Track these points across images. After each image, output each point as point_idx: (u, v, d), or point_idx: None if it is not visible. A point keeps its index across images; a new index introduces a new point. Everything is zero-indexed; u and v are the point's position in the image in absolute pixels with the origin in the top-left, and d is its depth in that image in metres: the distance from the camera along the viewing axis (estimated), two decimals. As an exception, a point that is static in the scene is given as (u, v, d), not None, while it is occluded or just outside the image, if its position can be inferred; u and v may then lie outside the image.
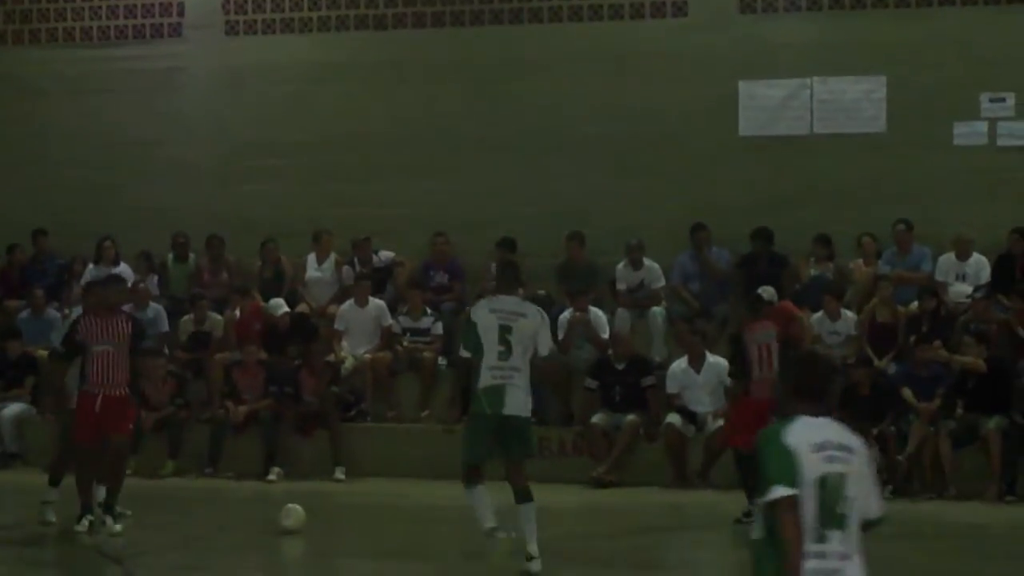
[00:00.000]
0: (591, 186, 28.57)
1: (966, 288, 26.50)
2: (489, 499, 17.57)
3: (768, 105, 28.55)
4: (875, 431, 23.86)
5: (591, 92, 28.99)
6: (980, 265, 26.87)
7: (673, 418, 24.27)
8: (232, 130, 30.43)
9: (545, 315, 18.49)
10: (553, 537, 19.18)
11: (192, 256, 29.60)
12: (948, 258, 27.11)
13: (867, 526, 9.73)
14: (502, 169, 28.90)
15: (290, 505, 20.52)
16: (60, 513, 20.64)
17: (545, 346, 17.75)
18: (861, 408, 23.91)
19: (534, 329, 17.37)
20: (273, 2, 30.70)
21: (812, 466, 9.61)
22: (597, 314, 26.99)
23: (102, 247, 29.39)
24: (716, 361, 24.62)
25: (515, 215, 28.48)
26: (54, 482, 20.48)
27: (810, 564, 9.57)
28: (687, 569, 20.30)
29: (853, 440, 9.71)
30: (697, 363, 23.80)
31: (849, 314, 26.20)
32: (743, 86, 28.50)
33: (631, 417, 25.16)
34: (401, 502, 21.16)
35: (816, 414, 9.80)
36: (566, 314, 26.77)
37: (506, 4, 29.86)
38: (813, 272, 27.03)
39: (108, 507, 19.50)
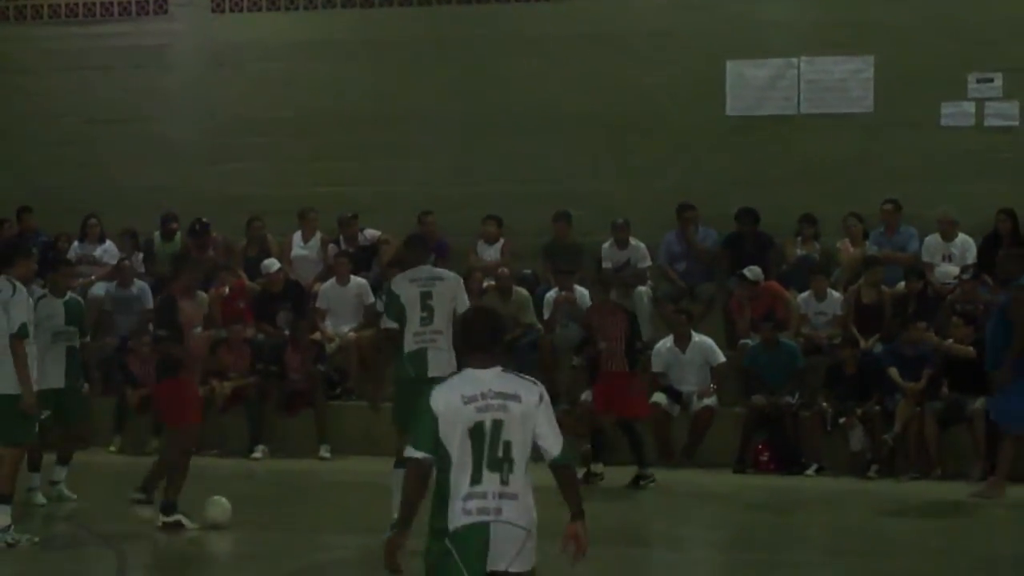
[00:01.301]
0: (577, 165, 28.69)
1: (953, 269, 26.42)
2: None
3: (755, 85, 28.59)
4: (860, 411, 24.12)
5: (577, 71, 29.11)
6: (966, 246, 26.87)
7: (659, 397, 24.32)
8: (218, 108, 30.58)
9: (460, 279, 19.16)
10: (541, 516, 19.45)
11: (178, 235, 29.42)
12: (934, 239, 27.09)
13: (556, 467, 10.34)
14: (488, 148, 29.01)
15: (215, 497, 20.32)
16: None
17: (463, 305, 17.99)
18: (847, 388, 24.39)
19: (452, 292, 17.99)
20: None
21: (463, 417, 10.16)
22: (582, 293, 26.68)
23: (87, 224, 29.73)
24: (701, 340, 24.82)
25: (501, 194, 28.59)
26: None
27: (470, 504, 10.16)
28: (673, 543, 20.09)
29: (521, 387, 10.12)
30: (683, 343, 23.90)
31: (835, 294, 26.25)
32: (730, 65, 28.55)
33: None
34: (386, 480, 21.17)
35: (484, 366, 10.26)
36: (551, 293, 26.90)
37: None
38: (799, 252, 27.10)
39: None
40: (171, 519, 19.52)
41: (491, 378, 10.22)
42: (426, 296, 17.82)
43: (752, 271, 26.03)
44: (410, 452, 10.29)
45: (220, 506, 20.76)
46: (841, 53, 28.21)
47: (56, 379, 20.78)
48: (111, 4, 31.25)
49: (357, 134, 29.67)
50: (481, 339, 10.46)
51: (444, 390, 10.32)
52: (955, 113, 27.79)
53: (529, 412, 10.12)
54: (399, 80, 29.72)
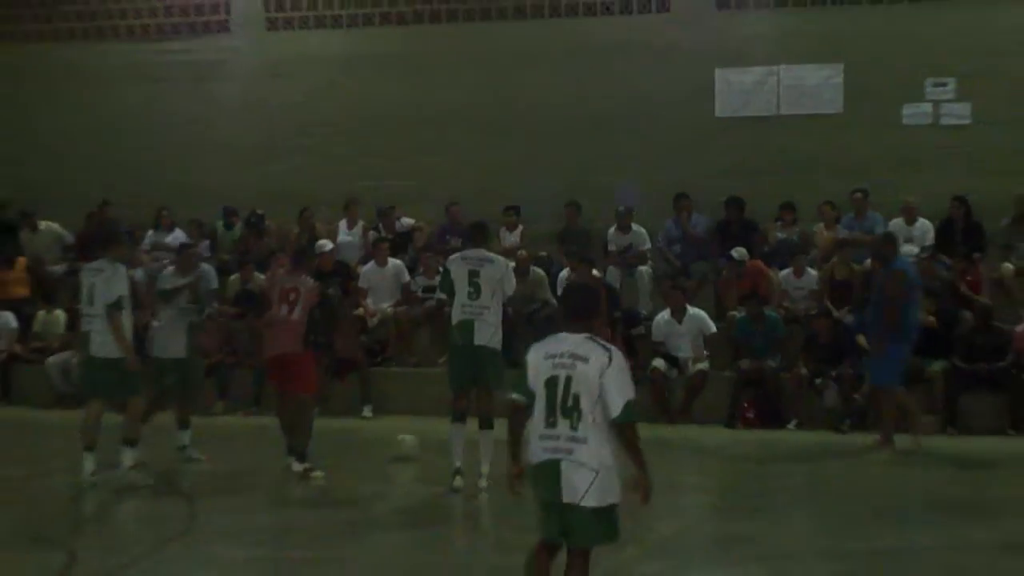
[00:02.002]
0: (585, 161, 28.69)
1: (913, 249, 26.40)
2: (463, 441, 18.27)
3: (740, 90, 28.76)
4: (834, 373, 24.25)
5: (585, 79, 29.19)
6: (925, 229, 27.01)
7: (658, 362, 24.53)
8: (272, 113, 30.64)
9: (510, 264, 19.47)
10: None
11: (238, 224, 29.63)
12: (898, 223, 27.11)
13: (615, 426, 10.69)
14: (508, 147, 29.12)
15: (405, 436, 21.34)
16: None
17: (511, 287, 18.63)
18: (822, 353, 24.57)
19: (500, 274, 18.06)
20: (308, 1, 30.91)
21: (543, 370, 10.98)
22: (593, 274, 26.45)
23: (159, 216, 29.81)
24: (695, 313, 25.04)
25: (520, 186, 28.72)
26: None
27: (546, 443, 10.78)
28: (671, 490, 19.57)
29: (593, 352, 10.82)
30: (679, 315, 24.00)
31: (812, 272, 26.40)
32: (719, 73, 28.71)
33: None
34: (418, 436, 21.33)
35: (574, 331, 11.09)
36: (564, 273, 26.70)
37: (510, 1, 29.94)
38: (780, 235, 27.26)
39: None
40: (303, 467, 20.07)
41: (574, 341, 11.01)
42: (473, 275, 17.96)
43: (739, 252, 26.22)
44: (512, 396, 11.04)
45: (411, 442, 21.88)
46: (815, 62, 28.31)
47: (178, 350, 20.86)
48: (179, 24, 31.67)
49: (393, 135, 29.78)
50: (575, 310, 11.38)
51: (537, 347, 11.24)
52: (915, 113, 27.97)
53: (595, 373, 10.69)
54: (428, 88, 29.90)
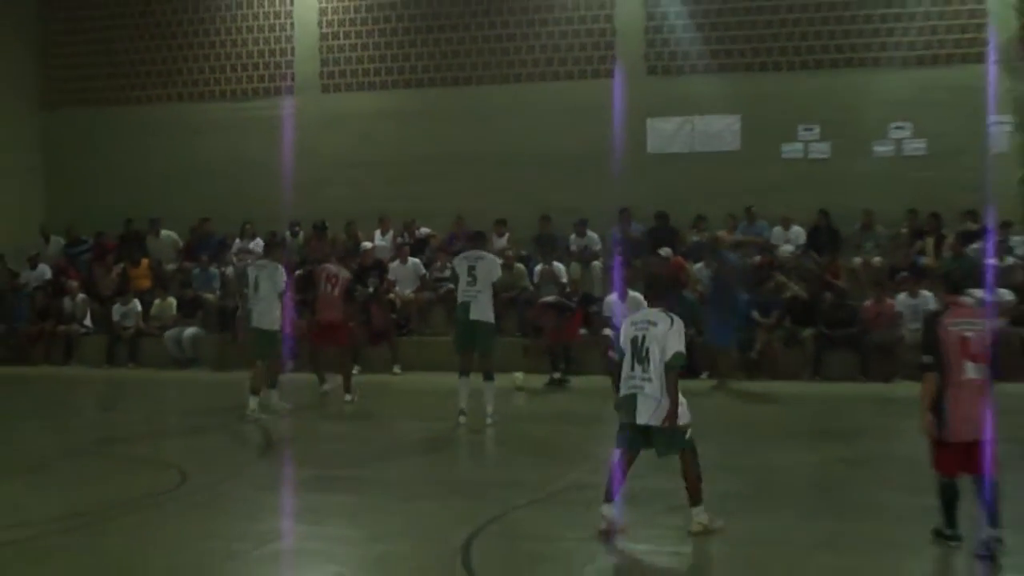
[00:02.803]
0: (553, 185, 28.79)
1: (790, 248, 27.21)
2: (468, 389, 18.79)
3: (665, 133, 28.99)
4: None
5: (550, 127, 29.18)
6: (799, 233, 27.60)
7: (608, 332, 23.88)
8: (324, 154, 30.68)
9: (497, 260, 20.16)
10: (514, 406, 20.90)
11: (301, 234, 29.91)
12: (778, 229, 27.83)
13: (667, 366, 11.59)
14: (496, 177, 29.35)
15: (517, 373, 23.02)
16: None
17: (497, 276, 19.23)
18: (726, 323, 25.02)
19: (490, 267, 18.92)
20: (350, 71, 31.11)
21: (629, 332, 12.01)
22: (559, 267, 27.23)
23: (244, 228, 30.22)
24: (635, 295, 23.91)
25: (505, 204, 28.82)
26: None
27: (628, 383, 11.83)
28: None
29: (660, 319, 11.88)
30: (623, 296, 23.57)
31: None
32: (649, 122, 29.01)
33: (583, 331, 25.56)
34: (435, 388, 21.62)
35: (652, 305, 12.27)
36: (538, 267, 27.36)
37: (496, 70, 30.21)
38: (695, 239, 27.43)
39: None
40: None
41: (651, 312, 12.07)
42: (471, 268, 18.60)
43: (665, 251, 26.22)
44: (612, 355, 12.78)
45: (521, 378, 23.50)
46: (720, 113, 28.58)
47: (272, 324, 20.79)
48: (258, 88, 31.88)
49: (414, 168, 29.92)
50: (652, 290, 12.51)
51: (629, 318, 12.37)
52: (791, 150, 28.25)
53: (661, 334, 11.71)
54: (438, 134, 30.03)
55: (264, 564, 11.07)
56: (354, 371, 23.78)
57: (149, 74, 32.76)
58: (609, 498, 11.69)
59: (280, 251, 21.76)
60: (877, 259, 26.99)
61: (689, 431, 11.67)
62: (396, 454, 17.31)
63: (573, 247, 28.79)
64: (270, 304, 19.71)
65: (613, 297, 25.06)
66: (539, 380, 24.26)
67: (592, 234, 28.76)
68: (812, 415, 20.92)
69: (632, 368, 11.81)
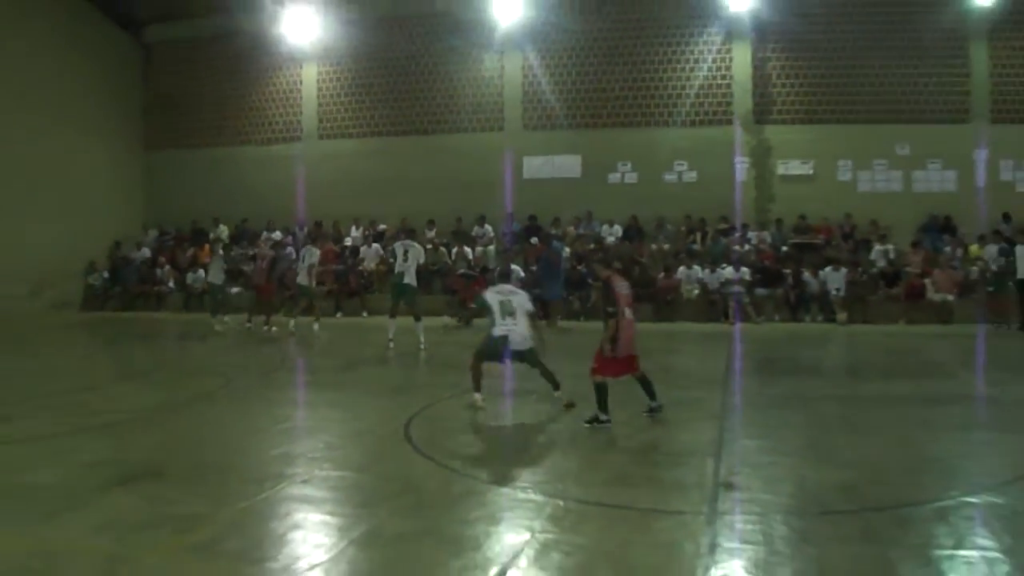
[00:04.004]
0: (465, 198, 28.66)
1: (612, 238, 27.21)
2: (394, 327, 19.05)
3: (535, 166, 28.92)
4: (579, 293, 24.94)
5: (458, 162, 29.09)
6: (618, 229, 27.65)
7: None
8: (324, 183, 30.35)
9: (420, 246, 19.72)
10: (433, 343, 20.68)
11: (306, 228, 29.65)
12: (606, 226, 27.77)
13: (529, 316, 12.09)
14: (427, 193, 29.04)
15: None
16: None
17: (423, 256, 19.66)
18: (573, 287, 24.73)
19: (417, 251, 19.10)
20: (337, 126, 30.92)
21: (496, 299, 12.11)
22: (467, 250, 27.50)
23: (268, 224, 30.31)
24: (515, 268, 24.08)
25: (434, 210, 28.68)
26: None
27: (501, 329, 12.00)
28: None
29: (517, 291, 12.32)
30: (508, 272, 23.83)
31: (567, 249, 25.68)
32: (525, 159, 28.95)
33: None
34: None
35: (506, 287, 12.44)
36: (454, 250, 27.54)
37: (428, 125, 29.90)
38: (553, 231, 26.82)
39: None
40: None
41: (509, 287, 12.46)
42: (405, 251, 18.83)
43: (534, 239, 26.61)
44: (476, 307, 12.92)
45: (448, 320, 23.07)
46: (568, 153, 28.63)
47: (413, 280, 21.09)
48: (278, 136, 31.55)
49: (376, 188, 29.70)
50: (505, 273, 13.98)
51: (494, 289, 12.45)
52: (613, 178, 28.23)
53: (522, 299, 12.19)
54: (396, 168, 29.72)
55: (280, 435, 11.08)
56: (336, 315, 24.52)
57: (211, 127, 32.38)
58: (478, 388, 12.16)
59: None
60: (667, 246, 27.05)
61: (535, 351, 12.16)
62: (362, 367, 17.26)
63: (476, 235, 28.68)
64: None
65: (500, 267, 25.36)
66: (453, 322, 23.96)
67: (488, 227, 28.76)
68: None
69: (503, 319, 12.09)
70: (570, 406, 11.88)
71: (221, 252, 25.20)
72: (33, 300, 28.04)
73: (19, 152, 27.78)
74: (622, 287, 11.13)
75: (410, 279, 19.06)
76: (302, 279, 22.25)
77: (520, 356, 12.25)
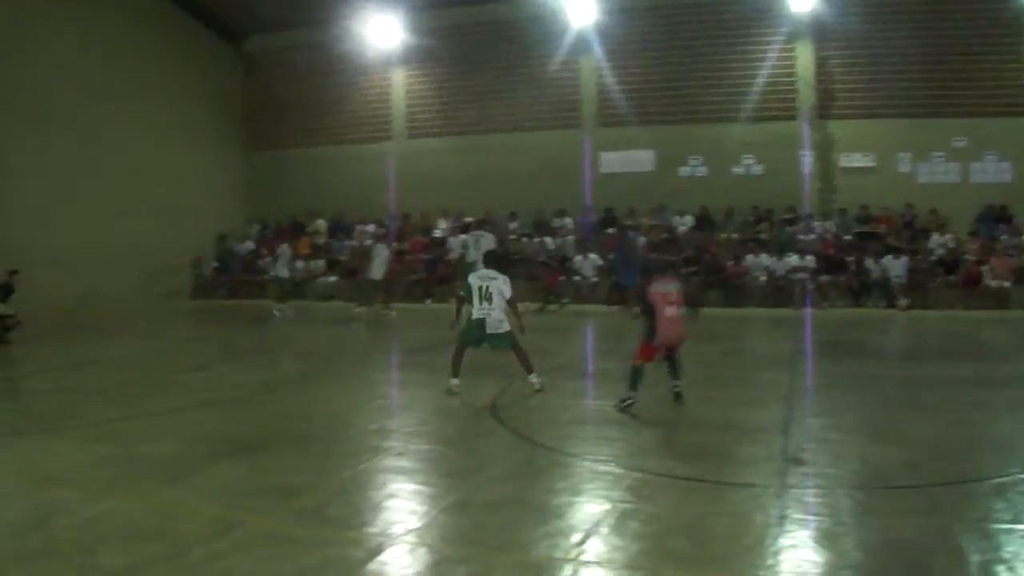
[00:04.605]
0: (544, 191, 28.53)
1: (684, 228, 26.82)
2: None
3: (611, 160, 28.55)
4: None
5: (537, 156, 28.73)
6: (689, 220, 27.26)
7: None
8: (413, 178, 30.39)
9: (491, 236, 20.14)
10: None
11: (398, 219, 29.89)
12: (678, 217, 27.31)
13: (510, 303, 12.08)
14: (510, 187, 28.87)
15: None
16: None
17: (490, 246, 18.59)
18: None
19: (489, 239, 19.61)
20: (426, 124, 30.91)
21: (476, 284, 12.08)
22: (547, 240, 27.31)
23: (363, 218, 30.41)
24: (593, 257, 24.86)
25: (515, 202, 28.66)
26: None
27: (479, 313, 12.00)
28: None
29: (497, 276, 12.11)
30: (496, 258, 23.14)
31: (641, 238, 25.28)
32: (602, 153, 28.59)
33: (561, 278, 25.23)
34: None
35: (488, 273, 12.20)
36: (536, 240, 27.32)
37: (502, 123, 29.63)
38: (628, 223, 26.44)
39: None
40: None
41: (489, 272, 12.30)
42: (476, 240, 19.66)
43: (610, 230, 26.13)
44: (463, 293, 12.49)
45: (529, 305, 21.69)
46: (642, 148, 28.18)
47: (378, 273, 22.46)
48: (373, 136, 31.54)
49: (461, 182, 29.56)
50: (493, 261, 12.78)
51: (475, 275, 12.38)
52: (684, 171, 27.85)
53: (499, 285, 12.08)
54: (475, 162, 29.56)
55: (376, 412, 11.32)
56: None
57: (308, 129, 32.48)
58: (455, 374, 12.13)
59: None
60: (735, 235, 26.72)
61: (515, 335, 12.16)
62: (449, 349, 17.94)
63: (556, 227, 28.39)
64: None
65: (579, 258, 25.43)
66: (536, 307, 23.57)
67: (567, 219, 28.46)
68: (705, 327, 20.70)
69: (480, 304, 12.03)
70: (539, 391, 11.93)
71: (287, 251, 25.83)
72: (146, 290, 28.57)
73: (133, 155, 28.38)
74: (658, 287, 11.00)
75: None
76: (375, 273, 22.80)
77: (496, 339, 12.14)
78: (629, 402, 10.80)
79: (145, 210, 28.46)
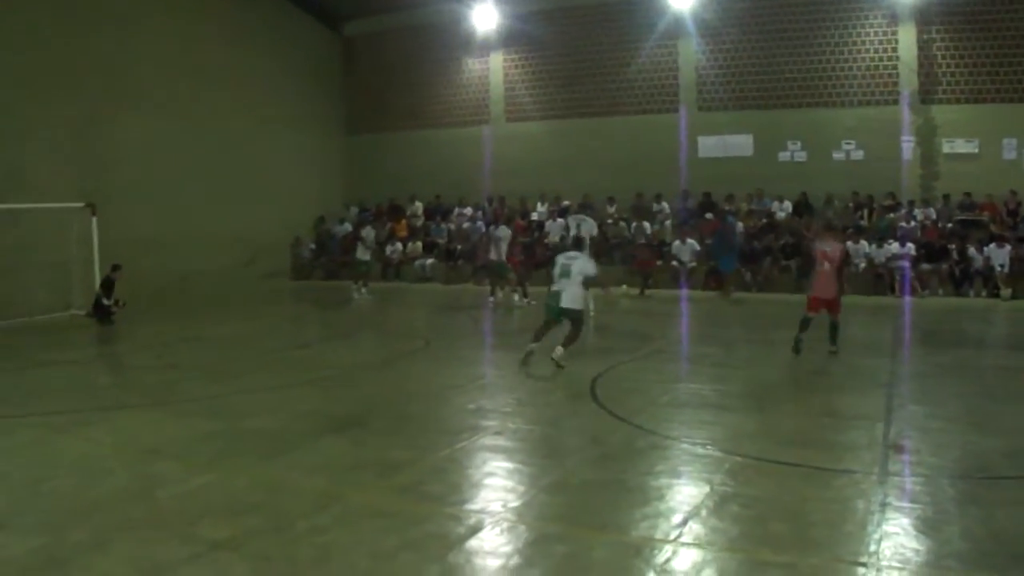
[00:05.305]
0: (642, 175, 28.41)
1: (783, 214, 26.57)
2: None
3: (709, 145, 28.23)
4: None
5: (632, 141, 28.74)
6: (788, 206, 27.09)
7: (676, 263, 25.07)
8: (511, 162, 30.40)
9: (593, 221, 20.64)
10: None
11: (494, 202, 30.02)
12: (776, 203, 27.26)
13: (587, 281, 12.70)
14: (607, 171, 28.74)
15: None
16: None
17: (591, 230, 19.72)
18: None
19: (591, 225, 20.72)
20: (522, 110, 30.89)
21: (560, 260, 12.79)
22: (646, 225, 27.26)
23: (461, 201, 30.65)
24: (691, 242, 24.77)
25: (613, 187, 28.50)
26: None
27: (555, 287, 12.68)
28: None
29: (578, 256, 12.79)
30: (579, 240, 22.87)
31: (740, 224, 25.75)
32: (700, 138, 28.29)
33: (659, 263, 25.35)
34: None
35: (572, 252, 12.93)
36: (634, 224, 27.24)
37: (622, 106, 29.40)
38: (727, 207, 26.71)
39: None
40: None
41: (571, 254, 12.91)
42: (578, 225, 20.04)
43: (708, 215, 26.17)
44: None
45: (624, 288, 22.90)
46: (740, 133, 27.86)
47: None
48: (472, 119, 31.62)
49: (559, 165, 29.56)
50: (578, 245, 14.44)
51: (558, 259, 12.95)
52: (783, 156, 27.49)
53: (582, 265, 12.65)
54: (582, 148, 29.47)
55: (474, 391, 11.37)
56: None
57: (406, 112, 32.52)
58: (535, 339, 12.91)
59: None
60: (834, 221, 26.16)
61: (581, 313, 12.86)
62: (549, 333, 18.01)
63: (654, 211, 28.18)
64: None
65: (677, 243, 25.39)
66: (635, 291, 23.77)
67: (665, 204, 28.35)
68: (795, 313, 20.40)
69: (559, 280, 12.71)
70: (560, 367, 12.49)
71: (371, 235, 26.03)
72: (248, 270, 29.07)
73: (236, 140, 28.92)
74: (823, 245, 13.34)
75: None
76: (495, 255, 22.40)
77: (566, 313, 12.73)
78: (799, 340, 13.35)
79: (245, 192, 28.97)
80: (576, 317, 12.68)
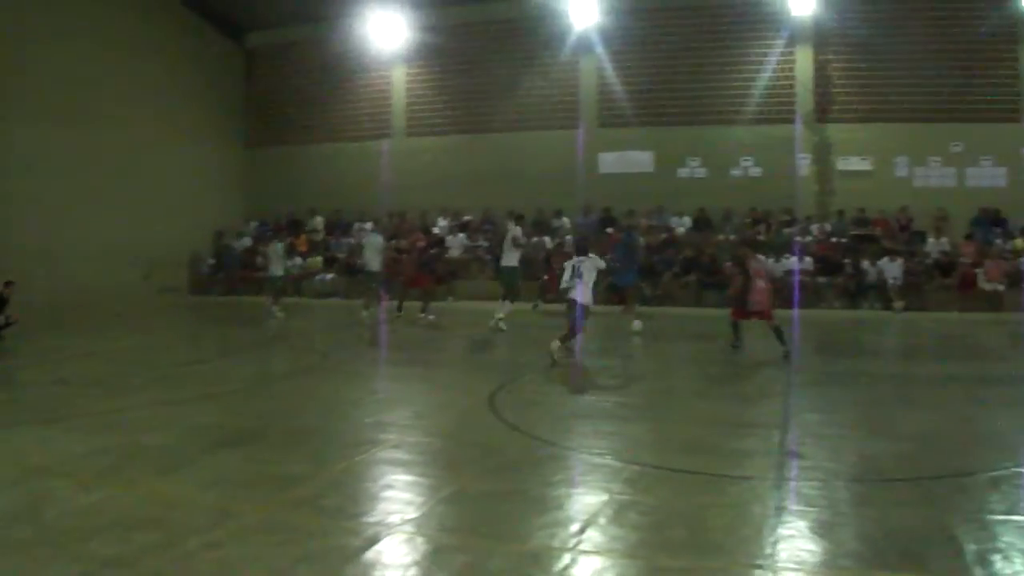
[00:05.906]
0: (543, 191, 28.53)
1: (683, 229, 26.95)
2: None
3: (609, 161, 28.51)
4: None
5: (537, 157, 28.95)
6: (687, 221, 27.49)
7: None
8: (412, 176, 30.35)
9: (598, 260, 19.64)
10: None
11: (392, 217, 29.72)
12: (676, 218, 27.53)
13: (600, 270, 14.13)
14: (507, 186, 28.77)
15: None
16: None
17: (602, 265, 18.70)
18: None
19: (514, 233, 20.11)
20: (422, 124, 30.90)
21: (569, 264, 14.01)
22: (545, 239, 27.51)
23: (362, 215, 30.28)
24: (594, 257, 25.06)
25: (514, 202, 27.03)
26: None
27: (564, 285, 13.91)
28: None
29: (586, 258, 13.90)
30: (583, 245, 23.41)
31: (641, 239, 24.58)
32: (600, 154, 28.58)
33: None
34: (472, 310, 22.01)
35: (580, 256, 13.93)
36: (535, 239, 27.24)
37: (501, 123, 29.58)
38: (624, 223, 25.71)
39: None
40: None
41: (581, 258, 14.04)
42: (507, 240, 20.05)
43: (609, 230, 26.29)
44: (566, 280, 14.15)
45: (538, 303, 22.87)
46: (641, 150, 28.23)
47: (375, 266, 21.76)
48: (369, 134, 31.52)
49: (460, 181, 29.64)
50: (582, 247, 14.55)
51: (568, 262, 14.33)
52: (683, 172, 27.97)
53: (590, 264, 13.98)
54: (474, 161, 29.60)
55: (373, 405, 11.30)
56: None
57: (307, 126, 32.50)
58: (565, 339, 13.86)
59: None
60: (733, 236, 26.45)
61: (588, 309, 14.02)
62: (448, 346, 17.69)
63: (554, 227, 28.40)
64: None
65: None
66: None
67: (565, 219, 28.45)
68: (695, 326, 20.40)
69: (570, 279, 13.89)
70: (554, 364, 13.29)
71: (280, 249, 24.39)
72: (145, 284, 28.57)
73: (134, 152, 28.48)
74: (755, 264, 14.53)
75: (508, 261, 19.77)
76: (372, 264, 21.96)
77: (583, 309, 13.89)
78: (736, 346, 14.81)
79: (143, 205, 28.49)
80: (588, 312, 13.94)
